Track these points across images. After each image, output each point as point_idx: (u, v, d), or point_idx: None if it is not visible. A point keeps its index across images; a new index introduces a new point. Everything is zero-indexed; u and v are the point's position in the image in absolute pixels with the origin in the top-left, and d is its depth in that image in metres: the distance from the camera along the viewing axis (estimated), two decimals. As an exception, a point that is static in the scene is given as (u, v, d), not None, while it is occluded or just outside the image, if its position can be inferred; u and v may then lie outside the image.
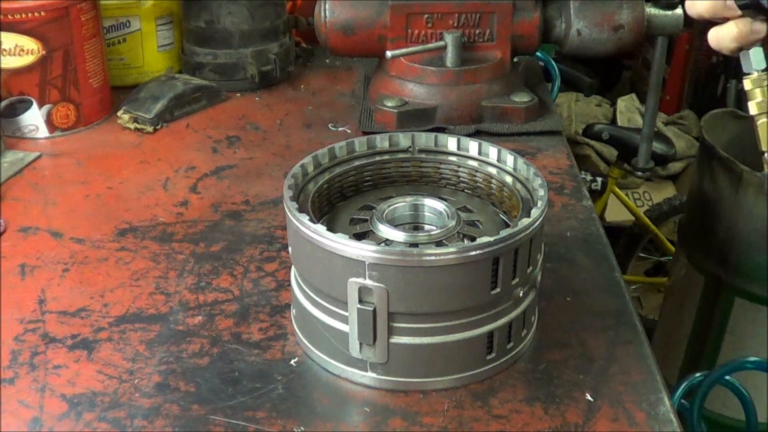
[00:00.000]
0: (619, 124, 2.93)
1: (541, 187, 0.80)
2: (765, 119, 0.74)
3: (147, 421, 0.74)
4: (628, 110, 3.03)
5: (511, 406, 0.75)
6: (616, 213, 2.71)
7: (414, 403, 0.76)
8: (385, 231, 0.81)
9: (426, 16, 1.34)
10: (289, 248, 0.81)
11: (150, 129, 1.35)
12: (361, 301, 0.73)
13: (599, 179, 2.48)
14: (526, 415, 0.74)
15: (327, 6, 1.35)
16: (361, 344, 0.76)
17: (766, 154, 0.74)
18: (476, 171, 0.92)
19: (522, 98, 1.34)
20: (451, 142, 0.93)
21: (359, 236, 0.80)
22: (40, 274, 0.97)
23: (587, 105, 3.05)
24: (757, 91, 0.74)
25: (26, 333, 0.86)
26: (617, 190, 2.51)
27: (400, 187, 0.94)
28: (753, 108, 0.75)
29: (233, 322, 0.88)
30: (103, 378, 0.79)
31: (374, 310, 0.73)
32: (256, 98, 1.51)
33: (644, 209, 2.62)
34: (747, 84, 0.75)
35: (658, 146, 2.10)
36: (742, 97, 3.10)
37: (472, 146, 0.92)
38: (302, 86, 1.57)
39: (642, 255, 2.65)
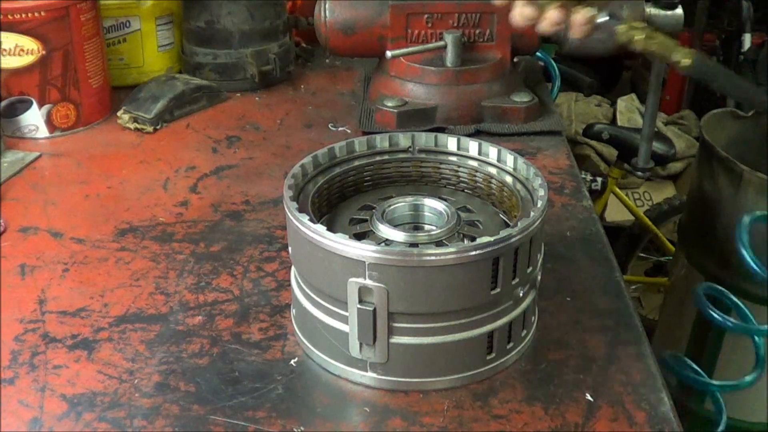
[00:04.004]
0: (619, 124, 2.93)
1: (541, 187, 0.80)
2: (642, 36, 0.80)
3: (147, 421, 0.74)
4: (628, 110, 3.03)
5: (511, 406, 0.75)
6: (616, 213, 2.71)
7: (414, 403, 0.76)
8: (385, 231, 0.81)
9: (426, 16, 1.34)
10: (289, 248, 0.81)
11: (150, 129, 1.35)
12: (361, 301, 0.73)
13: (599, 179, 2.48)
14: (526, 415, 0.74)
15: (327, 6, 1.35)
16: (361, 344, 0.76)
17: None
18: (476, 171, 0.92)
19: (522, 98, 1.34)
20: (451, 142, 0.93)
21: (359, 236, 0.80)
22: (40, 274, 0.97)
23: (587, 105, 3.05)
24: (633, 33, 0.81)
25: (26, 333, 0.86)
26: (617, 190, 2.51)
27: (400, 187, 0.94)
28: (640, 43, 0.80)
29: (233, 322, 0.88)
30: (103, 378, 0.79)
31: (374, 310, 0.73)
32: (256, 98, 1.51)
33: (644, 209, 2.62)
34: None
35: (658, 146, 2.10)
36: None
37: (472, 146, 0.92)
38: (302, 86, 1.57)
39: (642, 255, 2.65)
